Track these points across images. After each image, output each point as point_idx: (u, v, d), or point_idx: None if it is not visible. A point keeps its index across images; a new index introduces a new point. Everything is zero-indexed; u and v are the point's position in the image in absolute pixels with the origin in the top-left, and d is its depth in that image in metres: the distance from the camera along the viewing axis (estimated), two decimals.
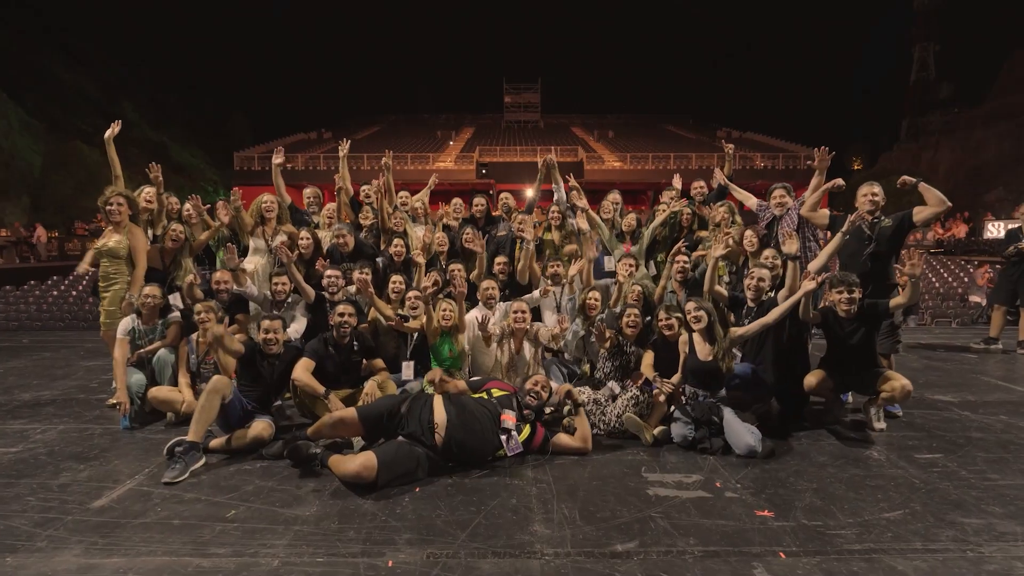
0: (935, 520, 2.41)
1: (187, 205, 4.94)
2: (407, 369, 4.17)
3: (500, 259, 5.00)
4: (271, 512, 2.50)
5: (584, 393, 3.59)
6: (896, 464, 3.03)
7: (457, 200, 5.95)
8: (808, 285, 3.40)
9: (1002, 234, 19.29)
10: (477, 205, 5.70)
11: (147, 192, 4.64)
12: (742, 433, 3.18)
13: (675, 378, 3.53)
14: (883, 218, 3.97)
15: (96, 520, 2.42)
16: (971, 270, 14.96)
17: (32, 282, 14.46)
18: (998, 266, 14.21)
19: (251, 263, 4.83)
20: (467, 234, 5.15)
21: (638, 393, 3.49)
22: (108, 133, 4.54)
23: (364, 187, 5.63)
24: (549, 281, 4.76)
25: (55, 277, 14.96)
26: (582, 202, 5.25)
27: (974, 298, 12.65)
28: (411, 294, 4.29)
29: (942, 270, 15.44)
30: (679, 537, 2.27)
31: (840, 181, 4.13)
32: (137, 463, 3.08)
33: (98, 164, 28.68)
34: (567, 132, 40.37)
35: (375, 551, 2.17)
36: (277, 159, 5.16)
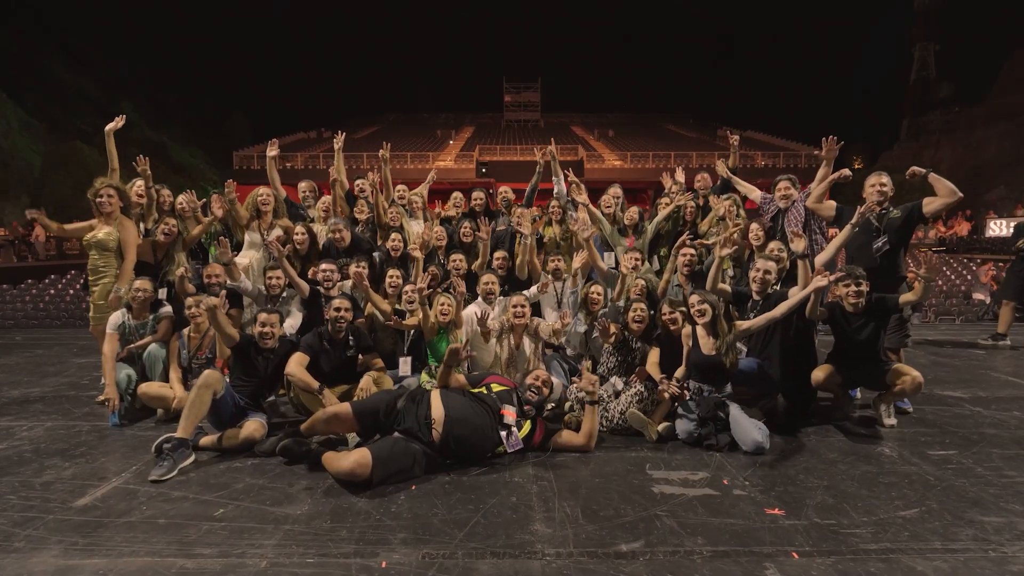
0: (953, 519, 2.31)
1: (180, 198, 4.84)
2: (404, 365, 4.07)
3: (499, 254, 4.91)
4: (261, 511, 2.40)
5: None
6: (909, 461, 2.93)
7: (457, 194, 5.85)
8: (819, 281, 3.30)
9: (1004, 232, 19.15)
10: (476, 199, 5.61)
11: (138, 186, 4.54)
12: (749, 429, 3.08)
13: (679, 372, 3.44)
14: (891, 209, 3.87)
15: (78, 519, 2.32)
16: (974, 268, 14.89)
17: (29, 281, 14.39)
18: (1000, 264, 14.16)
19: (246, 257, 4.73)
20: (465, 227, 5.07)
21: (642, 389, 3.39)
22: (110, 126, 4.46)
23: (359, 181, 5.53)
24: (550, 276, 4.66)
25: (52, 276, 14.89)
26: (582, 197, 5.15)
27: (978, 295, 12.55)
28: (407, 288, 4.20)
29: (945, 268, 15.35)
30: (686, 536, 2.17)
31: (847, 171, 4.03)
32: (124, 461, 2.98)
33: (98, 164, 28.54)
34: (567, 131, 40.29)
35: (368, 551, 2.07)
36: (271, 151, 5.07)
